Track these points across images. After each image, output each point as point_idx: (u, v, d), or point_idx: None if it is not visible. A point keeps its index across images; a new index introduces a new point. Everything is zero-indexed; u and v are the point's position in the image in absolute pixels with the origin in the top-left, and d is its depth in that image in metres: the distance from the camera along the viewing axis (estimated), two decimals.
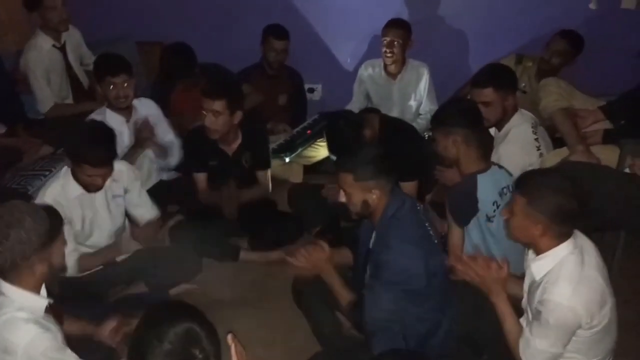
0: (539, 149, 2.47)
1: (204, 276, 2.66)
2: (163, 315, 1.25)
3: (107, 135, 2.26)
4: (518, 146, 2.44)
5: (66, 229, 2.24)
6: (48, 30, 3.23)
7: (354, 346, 2.16)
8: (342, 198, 1.98)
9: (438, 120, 2.21)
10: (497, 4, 3.79)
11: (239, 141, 2.83)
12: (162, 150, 2.94)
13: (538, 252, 1.73)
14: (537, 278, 1.73)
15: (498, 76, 2.51)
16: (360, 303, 1.95)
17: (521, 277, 1.89)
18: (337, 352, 2.17)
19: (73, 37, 3.40)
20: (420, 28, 3.48)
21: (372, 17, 3.59)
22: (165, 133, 2.98)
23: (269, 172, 2.99)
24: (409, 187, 2.72)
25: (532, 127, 2.51)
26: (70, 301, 2.20)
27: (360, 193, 1.93)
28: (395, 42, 3.27)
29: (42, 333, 1.56)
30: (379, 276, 1.88)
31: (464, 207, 2.14)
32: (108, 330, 1.98)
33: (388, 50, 3.29)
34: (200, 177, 2.87)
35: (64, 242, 1.71)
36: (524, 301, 1.83)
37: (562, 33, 3.31)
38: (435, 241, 1.98)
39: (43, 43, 3.23)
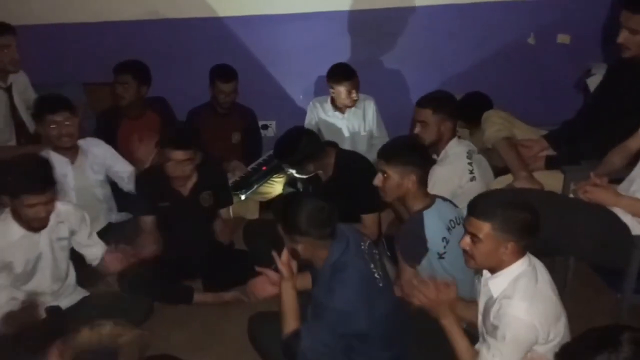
0: (471, 173, 2.55)
1: (155, 320, 2.57)
2: None
3: (41, 161, 2.23)
4: (450, 169, 2.53)
5: (2, 276, 2.16)
6: None
7: None
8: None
9: (394, 157, 2.17)
10: (435, 44, 3.93)
11: (194, 180, 2.80)
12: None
13: (496, 271, 1.76)
14: (495, 295, 1.75)
15: (439, 100, 2.61)
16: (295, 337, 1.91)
17: (471, 301, 1.90)
18: None
19: (20, 80, 3.32)
20: (365, 66, 3.58)
21: (319, 57, 3.71)
22: (124, 166, 2.95)
23: (230, 209, 3.01)
24: (369, 219, 2.74)
25: (467, 153, 2.60)
26: (8, 357, 2.09)
27: (290, 242, 1.93)
28: (352, 93, 3.37)
29: None
30: (320, 317, 1.86)
31: (413, 247, 2.14)
32: (54, 356, 1.91)
33: (348, 100, 3.38)
34: (147, 220, 2.82)
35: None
36: (480, 322, 1.84)
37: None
38: (380, 284, 1.93)
39: None
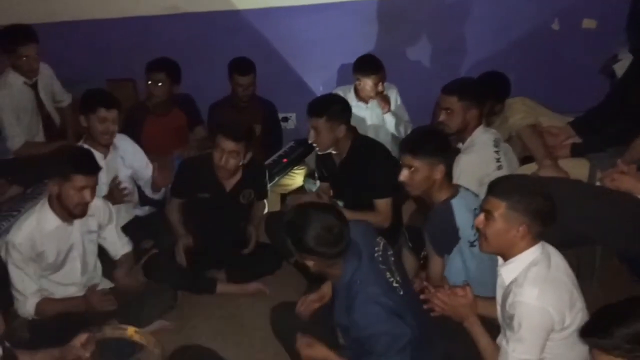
0: (498, 161, 2.51)
1: (180, 310, 2.61)
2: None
3: (87, 149, 2.40)
4: (477, 157, 2.49)
5: (33, 267, 2.22)
6: (19, 71, 3.20)
7: None
8: None
9: (421, 148, 2.12)
10: (458, 31, 3.88)
11: (238, 177, 2.82)
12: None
13: (508, 257, 1.74)
14: (507, 282, 1.74)
15: (465, 87, 2.58)
16: None
17: (491, 298, 1.89)
18: None
19: (44, 74, 3.37)
20: (386, 56, 3.55)
21: (340, 48, 3.70)
22: (143, 169, 2.96)
23: (265, 202, 3.06)
24: (382, 204, 2.71)
25: (494, 141, 2.56)
26: (41, 345, 2.13)
27: (300, 259, 1.88)
28: (379, 86, 3.31)
29: None
30: (373, 351, 1.78)
31: (445, 237, 2.12)
32: (79, 344, 1.92)
33: (372, 94, 3.32)
34: (177, 202, 2.87)
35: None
36: (499, 315, 1.82)
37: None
38: (401, 292, 1.85)
39: (14, 81, 3.20)
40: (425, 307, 1.91)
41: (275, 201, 3.51)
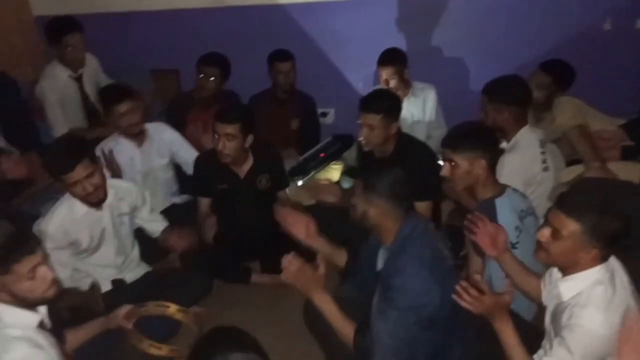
0: (544, 163, 2.43)
1: (213, 298, 2.62)
2: (232, 340, 1.23)
3: (70, 139, 2.35)
4: (521, 157, 2.41)
5: (66, 254, 2.26)
6: (65, 63, 3.28)
7: None
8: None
9: (461, 143, 2.09)
10: (502, 30, 3.79)
11: (250, 164, 2.83)
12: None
13: (569, 272, 1.65)
14: (565, 299, 1.64)
15: (495, 87, 2.53)
16: (364, 329, 1.86)
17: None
18: None
19: (90, 65, 3.45)
20: (425, 54, 3.50)
21: (379, 44, 3.59)
22: (188, 152, 3.01)
23: (287, 190, 3.03)
24: (422, 207, 2.65)
25: (540, 141, 2.48)
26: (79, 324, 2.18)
27: (364, 203, 1.89)
28: (390, 80, 3.29)
29: (34, 352, 1.52)
30: (392, 300, 1.80)
31: None
32: (122, 315, 1.96)
33: (385, 87, 3.31)
34: (204, 202, 2.88)
35: (34, 276, 1.54)
36: (547, 321, 1.75)
37: (542, 65, 2.95)
38: (450, 262, 1.90)
39: (59, 73, 3.28)
40: (454, 296, 1.83)
41: (309, 199, 3.51)
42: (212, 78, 3.28)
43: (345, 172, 3.58)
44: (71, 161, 2.15)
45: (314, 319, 2.23)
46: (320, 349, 2.21)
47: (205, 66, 3.28)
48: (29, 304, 1.57)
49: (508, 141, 2.52)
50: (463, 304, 1.74)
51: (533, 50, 3.71)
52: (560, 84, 2.90)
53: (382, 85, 3.32)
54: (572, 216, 1.57)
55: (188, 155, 3.01)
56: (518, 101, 2.47)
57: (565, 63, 2.95)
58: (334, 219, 2.77)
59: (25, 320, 1.56)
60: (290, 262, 1.93)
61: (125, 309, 1.98)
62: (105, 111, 2.81)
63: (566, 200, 1.62)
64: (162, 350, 1.97)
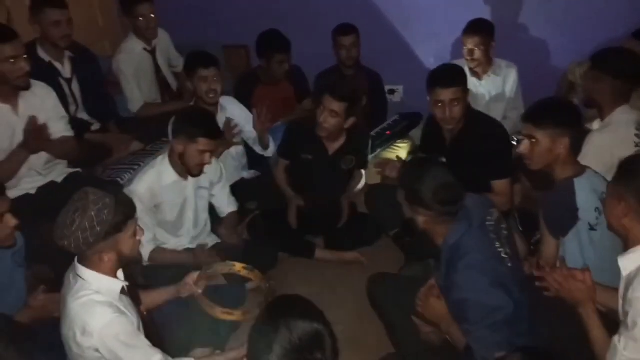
0: (637, 146, 2.26)
1: (277, 271, 2.68)
2: (300, 308, 1.25)
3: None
4: (610, 137, 2.25)
5: (149, 218, 2.37)
6: (140, 35, 3.40)
7: (428, 353, 2.07)
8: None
9: (545, 119, 1.98)
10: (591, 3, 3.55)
11: (342, 142, 2.85)
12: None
13: (629, 245, 1.59)
14: (625, 274, 1.59)
15: (619, 59, 2.33)
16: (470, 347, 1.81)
17: (613, 287, 1.73)
18: (410, 357, 2.08)
19: (163, 40, 3.55)
20: (505, 27, 3.33)
21: (455, 17, 3.45)
22: (252, 129, 3.04)
23: (363, 172, 3.06)
24: (501, 186, 2.54)
25: (637, 123, 2.30)
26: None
27: (409, 211, 1.85)
28: (476, 50, 3.15)
29: (117, 317, 1.60)
30: (466, 319, 1.76)
31: (563, 217, 1.96)
32: (190, 283, 2.02)
33: (469, 58, 3.19)
34: (283, 163, 2.95)
35: (135, 234, 1.69)
36: (620, 309, 1.66)
37: (636, 33, 2.81)
38: (509, 264, 1.80)
39: (135, 46, 3.40)
40: (538, 284, 1.78)
41: (375, 174, 3.49)
42: (284, 63, 3.30)
43: (412, 153, 3.53)
44: (218, 132, 2.40)
45: (376, 295, 2.25)
46: (382, 326, 2.22)
47: (277, 53, 3.27)
48: (124, 263, 1.71)
49: (602, 119, 2.36)
50: (545, 286, 1.70)
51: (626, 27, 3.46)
52: None
53: (465, 56, 3.20)
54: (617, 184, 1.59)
55: (251, 131, 3.04)
56: (624, 75, 2.28)
57: None
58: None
59: (111, 287, 1.66)
60: (422, 301, 1.93)
61: (193, 275, 2.03)
62: (188, 74, 2.85)
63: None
64: (234, 315, 2.00)
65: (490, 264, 1.76)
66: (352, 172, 2.95)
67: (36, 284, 1.98)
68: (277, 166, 2.99)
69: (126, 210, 1.65)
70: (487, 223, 1.84)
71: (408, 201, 1.84)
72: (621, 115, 2.30)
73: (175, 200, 2.45)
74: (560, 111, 2.02)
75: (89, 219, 1.55)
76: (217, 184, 2.61)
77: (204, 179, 2.51)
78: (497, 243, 1.81)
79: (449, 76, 2.50)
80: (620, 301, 1.65)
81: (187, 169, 2.38)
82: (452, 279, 1.77)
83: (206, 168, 2.47)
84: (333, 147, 2.84)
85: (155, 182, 2.35)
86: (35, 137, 2.39)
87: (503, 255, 1.80)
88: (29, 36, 3.02)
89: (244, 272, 2.20)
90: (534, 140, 1.99)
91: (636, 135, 2.27)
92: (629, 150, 2.23)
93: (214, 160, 2.59)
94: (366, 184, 3.30)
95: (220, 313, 1.99)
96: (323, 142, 2.82)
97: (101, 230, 1.57)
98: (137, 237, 1.71)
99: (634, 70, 2.29)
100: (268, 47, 3.29)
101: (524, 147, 2.02)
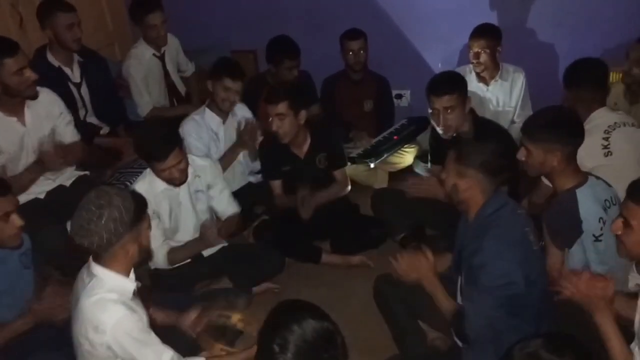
0: (605, 148, 2.27)
1: (284, 275, 2.68)
2: (307, 308, 1.26)
3: (164, 126, 2.42)
4: (585, 143, 2.12)
5: (154, 223, 2.37)
6: (150, 42, 3.42)
7: (433, 357, 2.07)
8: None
9: (537, 133, 1.97)
10: (596, 4, 3.54)
11: (308, 142, 2.85)
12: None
13: None
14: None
15: (580, 69, 2.38)
16: (461, 313, 1.85)
17: (632, 296, 1.71)
18: None
19: (172, 46, 3.57)
20: (513, 32, 3.32)
21: (463, 21, 3.45)
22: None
23: (345, 170, 3.00)
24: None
25: (610, 125, 2.31)
26: (159, 292, 2.31)
27: (455, 175, 1.87)
28: (482, 53, 3.14)
29: (129, 314, 1.62)
30: (476, 282, 1.79)
31: (566, 229, 1.95)
32: (190, 320, 2.03)
33: (475, 61, 3.19)
34: (276, 184, 2.92)
35: (149, 226, 1.74)
36: (637, 320, 1.64)
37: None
38: (535, 248, 1.85)
39: (144, 51, 3.42)
40: (552, 288, 1.79)
41: (383, 178, 3.49)
42: (293, 69, 3.32)
43: (419, 158, 3.52)
44: (165, 150, 2.24)
45: (383, 300, 2.24)
46: (387, 329, 2.22)
47: (286, 59, 3.28)
48: (142, 256, 1.75)
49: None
50: (561, 289, 1.70)
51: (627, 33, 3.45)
52: None
53: (471, 60, 3.20)
54: None
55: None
56: (589, 83, 2.35)
57: None
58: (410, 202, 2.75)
59: (124, 287, 1.68)
60: (401, 257, 1.99)
61: (192, 314, 2.05)
62: (213, 77, 2.86)
63: (635, 190, 1.56)
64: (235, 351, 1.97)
65: (518, 241, 1.79)
66: (330, 170, 2.92)
67: (42, 286, 2.00)
68: (273, 190, 2.93)
69: (141, 199, 1.70)
70: (519, 211, 1.90)
71: (459, 162, 1.86)
72: (594, 119, 2.33)
73: (171, 207, 2.46)
74: (556, 124, 1.97)
75: (117, 209, 1.58)
76: (215, 186, 2.59)
77: (199, 182, 2.52)
78: (527, 228, 1.85)
79: (442, 84, 2.52)
80: (638, 315, 1.63)
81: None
82: (480, 244, 1.79)
83: (200, 170, 2.49)
84: (302, 151, 2.84)
85: (147, 192, 2.33)
86: (52, 159, 2.45)
87: (531, 239, 1.83)
88: (40, 42, 3.07)
89: (239, 325, 2.14)
90: (528, 151, 2.00)
91: (604, 138, 2.28)
92: (598, 154, 2.26)
93: (208, 161, 2.60)
94: (372, 187, 3.31)
95: (219, 350, 1.97)
96: (291, 149, 2.82)
97: (127, 219, 1.60)
98: (149, 230, 1.74)
99: (594, 75, 2.36)
100: (278, 52, 3.31)
101: (521, 154, 2.03)
